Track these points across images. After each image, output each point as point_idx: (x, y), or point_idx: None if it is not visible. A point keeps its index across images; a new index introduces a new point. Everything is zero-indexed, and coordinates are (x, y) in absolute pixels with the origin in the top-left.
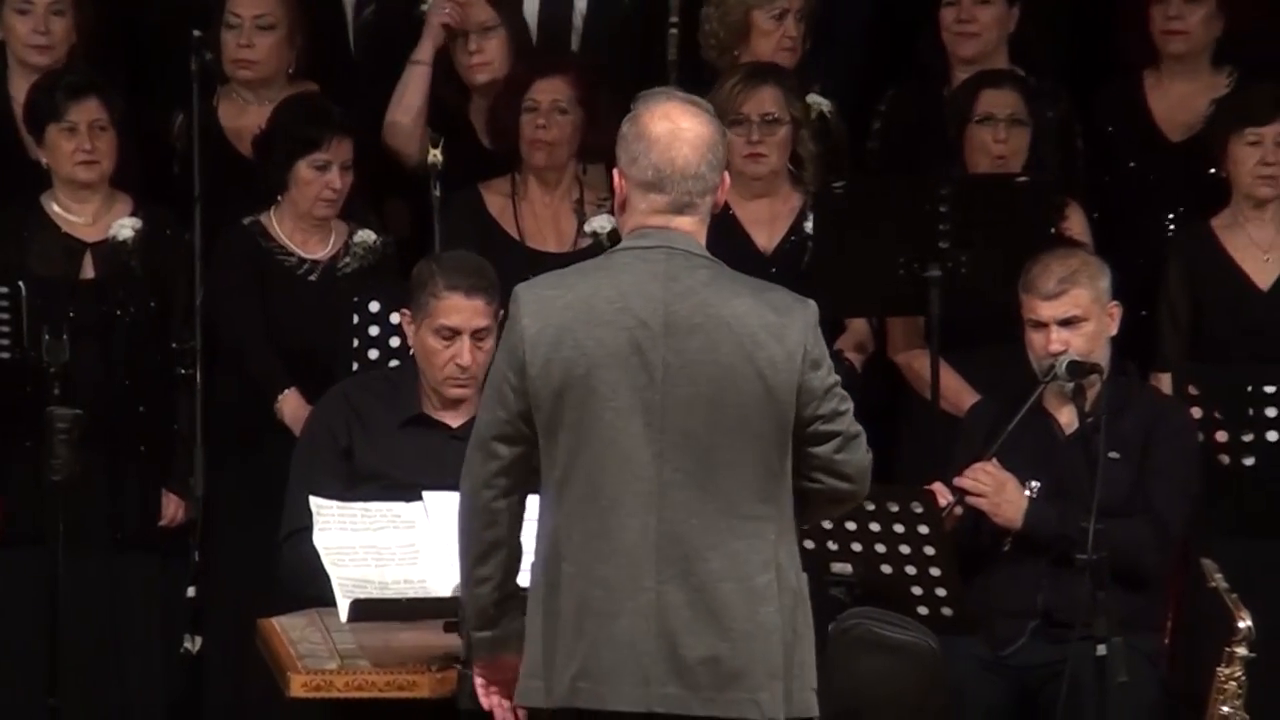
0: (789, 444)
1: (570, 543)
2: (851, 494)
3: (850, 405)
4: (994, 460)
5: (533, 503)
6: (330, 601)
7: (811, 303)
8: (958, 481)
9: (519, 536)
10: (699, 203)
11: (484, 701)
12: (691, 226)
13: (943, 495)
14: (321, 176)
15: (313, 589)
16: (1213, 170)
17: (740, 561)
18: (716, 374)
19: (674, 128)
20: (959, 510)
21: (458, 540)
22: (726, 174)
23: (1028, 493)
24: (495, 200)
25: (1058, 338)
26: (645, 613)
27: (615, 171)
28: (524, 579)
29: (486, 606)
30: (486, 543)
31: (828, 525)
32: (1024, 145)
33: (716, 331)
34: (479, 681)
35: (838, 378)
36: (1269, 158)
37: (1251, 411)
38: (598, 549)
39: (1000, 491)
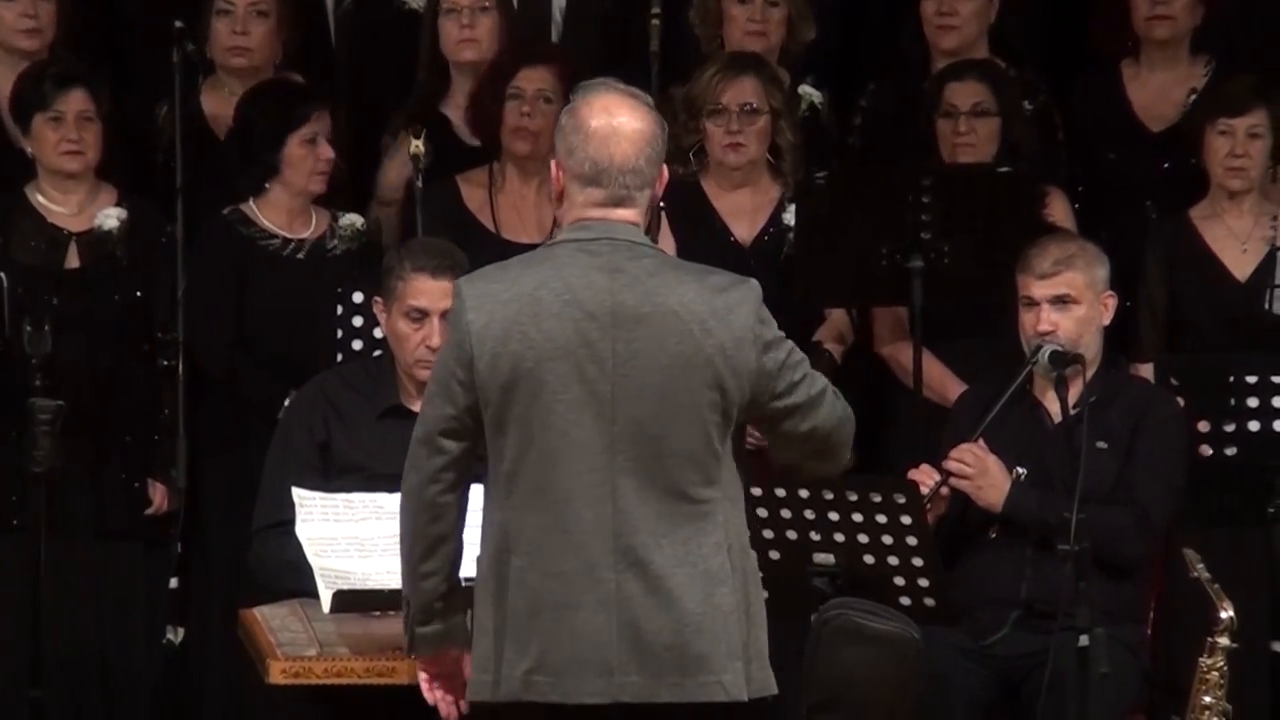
0: (733, 424)
1: (521, 537)
2: (835, 450)
3: (805, 367)
4: (980, 442)
5: (475, 494)
6: (301, 596)
7: (753, 281)
8: (943, 463)
9: (462, 530)
10: (637, 196)
11: (428, 696)
12: (631, 218)
13: (928, 477)
14: (313, 150)
15: (282, 584)
16: (1194, 160)
17: (693, 546)
18: (666, 363)
19: (612, 122)
20: (945, 492)
21: (400, 535)
22: (665, 167)
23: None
24: (472, 192)
25: (1047, 317)
26: (605, 603)
27: (553, 162)
28: (467, 572)
29: (431, 601)
30: (432, 537)
31: (810, 515)
32: (992, 135)
33: (664, 320)
34: (423, 676)
35: (788, 346)
36: (1238, 149)
37: (1233, 401)
38: (552, 542)
39: (984, 473)
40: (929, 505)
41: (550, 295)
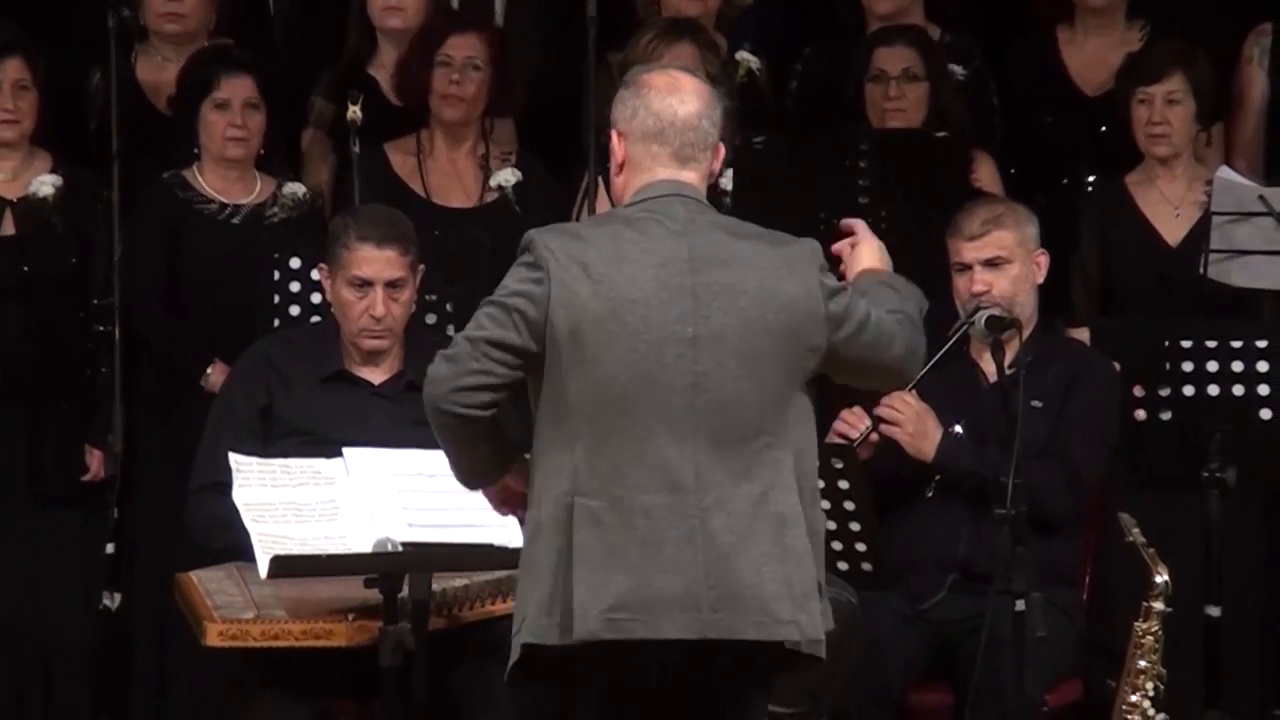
0: (803, 374)
1: (597, 476)
2: (904, 371)
3: (864, 307)
4: (913, 392)
5: None
6: (237, 554)
7: (813, 242)
8: (876, 410)
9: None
10: (700, 157)
11: (499, 511)
12: (696, 181)
13: (859, 421)
14: (224, 116)
15: (219, 542)
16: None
17: (769, 487)
18: (745, 306)
19: (673, 83)
20: (874, 438)
21: (443, 446)
22: (722, 146)
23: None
24: (402, 160)
25: (980, 278)
26: (690, 540)
27: (613, 134)
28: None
29: (488, 460)
30: (458, 432)
31: None
32: (921, 101)
33: (741, 266)
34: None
35: (849, 292)
36: (1156, 116)
37: (1168, 366)
38: (636, 479)
39: (916, 422)
40: (857, 448)
41: (628, 244)
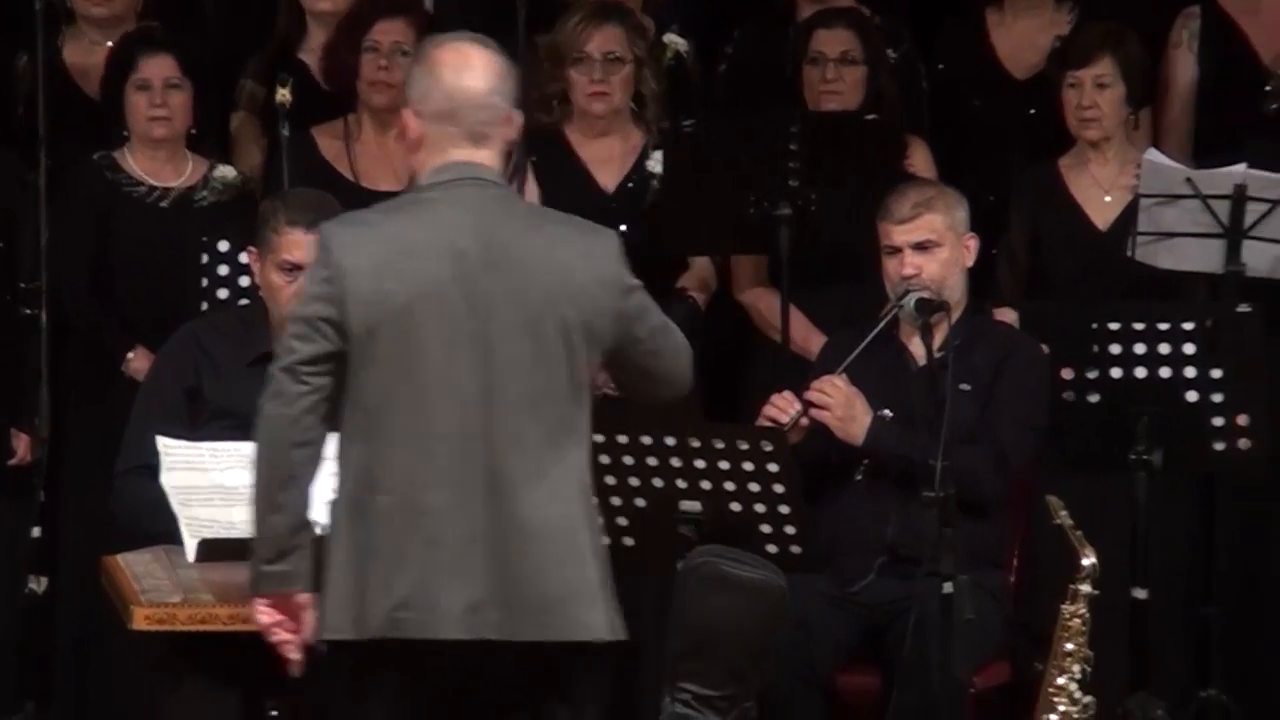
0: (593, 365)
1: (389, 474)
2: (684, 385)
3: (659, 313)
4: (843, 376)
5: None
6: (165, 538)
7: (612, 230)
8: (805, 394)
9: (318, 470)
10: (492, 134)
11: (270, 635)
12: (490, 160)
13: (789, 405)
14: (145, 96)
15: (145, 525)
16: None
17: (560, 487)
18: (538, 300)
19: (462, 59)
20: (804, 422)
21: (255, 468)
22: (519, 114)
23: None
24: (329, 144)
25: (910, 261)
26: (474, 540)
27: (406, 113)
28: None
29: (284, 534)
30: (289, 472)
31: (676, 463)
32: (858, 84)
33: (534, 261)
34: (263, 617)
35: (643, 291)
36: (1086, 100)
37: (1096, 348)
38: (424, 478)
39: (846, 406)
40: (787, 432)
41: (421, 235)
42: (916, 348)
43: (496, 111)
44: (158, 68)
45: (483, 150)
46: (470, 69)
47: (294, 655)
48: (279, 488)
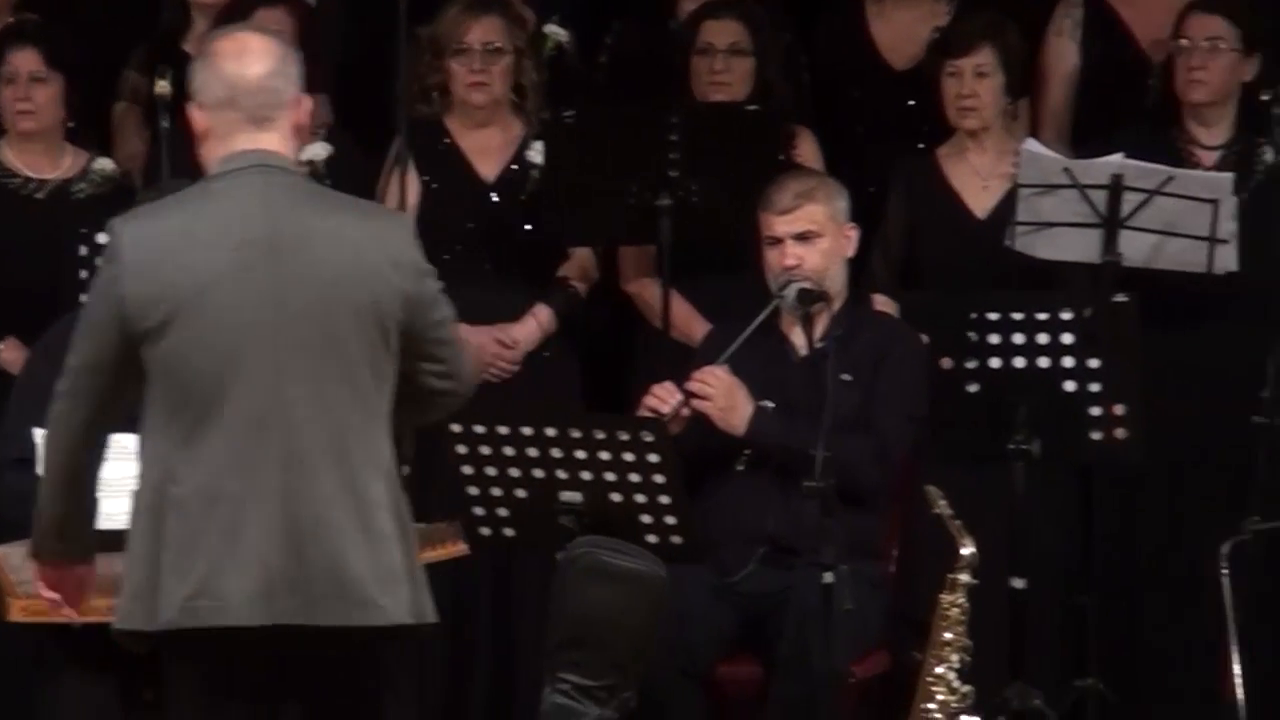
0: (390, 352)
1: (185, 465)
2: (464, 395)
3: (451, 309)
4: (725, 366)
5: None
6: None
7: (405, 215)
8: (687, 384)
9: (101, 465)
10: (276, 116)
11: (44, 595)
12: (278, 144)
13: (670, 395)
14: (10, 89)
15: (19, 517)
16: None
17: (357, 472)
18: (328, 283)
19: (241, 45)
20: (686, 413)
21: (45, 467)
22: (308, 98)
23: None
24: None
25: (792, 252)
26: (270, 525)
27: (190, 107)
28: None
29: (64, 520)
30: (75, 471)
31: (557, 454)
32: (747, 75)
33: (322, 244)
34: (43, 587)
35: (438, 281)
36: (966, 90)
37: (975, 338)
38: (218, 466)
39: (727, 396)
40: (668, 423)
41: (205, 226)
42: (798, 338)
43: (277, 95)
44: (22, 61)
45: (268, 134)
46: (247, 55)
47: (66, 610)
48: (65, 485)
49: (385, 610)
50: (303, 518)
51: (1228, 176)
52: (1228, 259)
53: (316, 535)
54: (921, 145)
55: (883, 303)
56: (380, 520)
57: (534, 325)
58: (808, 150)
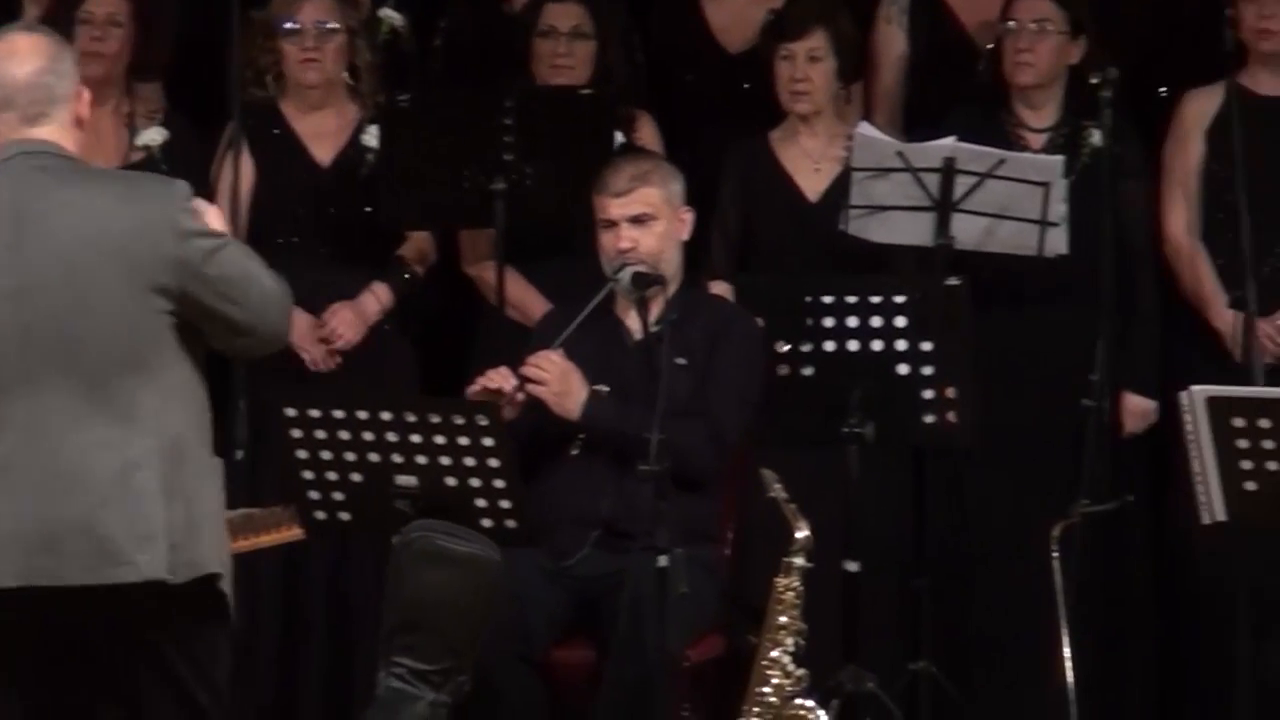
0: (160, 313)
1: None
2: (273, 337)
3: (239, 263)
4: (559, 351)
5: None
6: None
7: (179, 181)
8: (521, 369)
9: None
10: (52, 111)
11: None
12: (52, 134)
13: (505, 380)
14: None
15: None
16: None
17: (114, 433)
18: (69, 248)
19: (10, 47)
20: (520, 397)
21: None
22: (86, 90)
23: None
24: None
25: (627, 235)
26: (24, 487)
27: None
28: None
29: None
30: None
31: (393, 438)
32: (588, 58)
33: (72, 213)
34: None
35: (217, 239)
36: (799, 74)
37: (809, 322)
38: None
39: (562, 381)
40: (504, 408)
41: None
42: (633, 322)
43: (49, 90)
44: None
45: (43, 129)
46: (15, 56)
47: None
48: None
49: (138, 566)
50: (53, 478)
51: (1058, 159)
52: (1058, 242)
53: (70, 494)
54: (756, 129)
55: (718, 286)
56: (140, 479)
57: (374, 301)
58: (648, 134)
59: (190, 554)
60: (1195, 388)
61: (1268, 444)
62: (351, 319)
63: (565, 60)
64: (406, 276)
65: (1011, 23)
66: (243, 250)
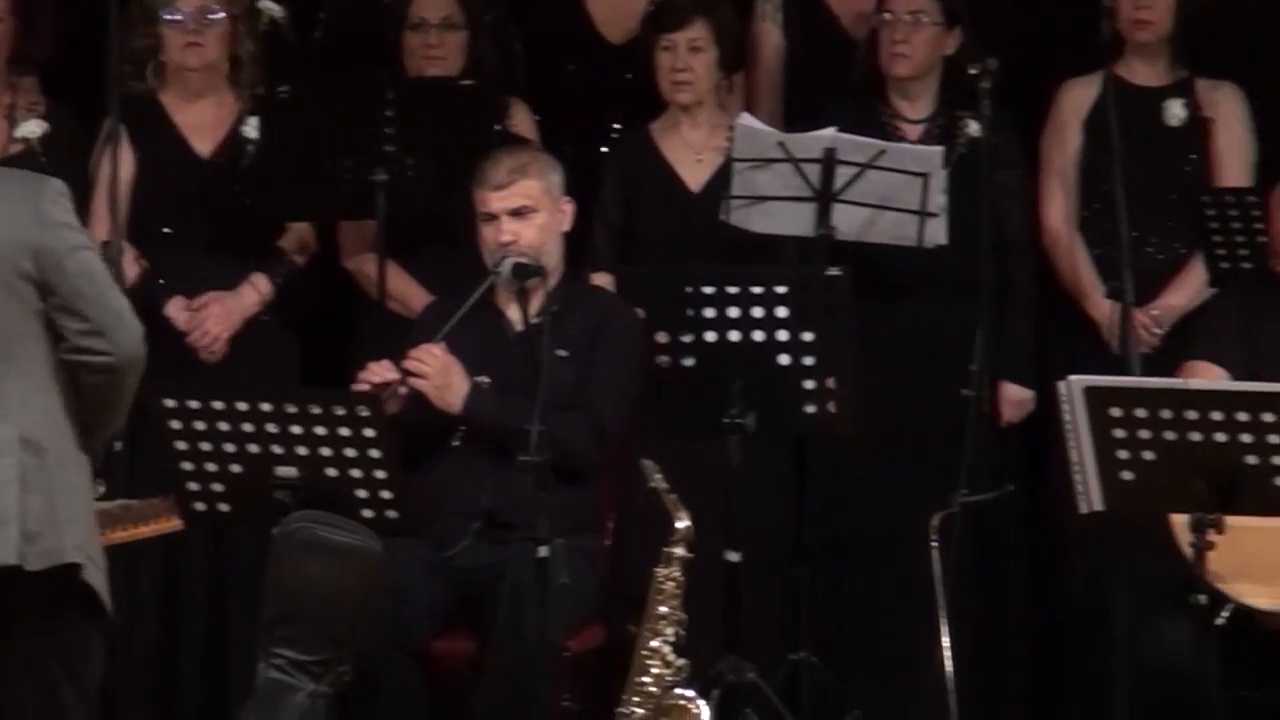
0: (25, 304)
1: None
2: (120, 360)
3: (91, 262)
4: (441, 344)
5: None
6: None
7: (55, 179)
8: (403, 362)
9: None
10: None
11: None
12: None
13: (387, 372)
14: None
15: None
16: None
17: None
18: None
19: None
20: (403, 390)
21: None
22: None
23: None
24: None
25: (508, 228)
26: None
27: None
28: None
29: None
30: None
31: (273, 429)
32: (460, 49)
33: None
34: None
35: (83, 239)
36: (680, 64)
37: (690, 312)
38: None
39: (443, 375)
40: (387, 401)
41: None
42: (514, 314)
43: None
44: None
45: None
46: None
47: None
48: None
49: None
50: None
51: (938, 150)
52: (938, 232)
53: None
54: (639, 120)
55: (600, 278)
56: (2, 467)
57: (252, 293)
58: (523, 122)
59: (48, 543)
60: (1073, 378)
61: (1144, 434)
62: (220, 314)
63: (437, 51)
64: (286, 267)
65: (886, 15)
66: (104, 269)
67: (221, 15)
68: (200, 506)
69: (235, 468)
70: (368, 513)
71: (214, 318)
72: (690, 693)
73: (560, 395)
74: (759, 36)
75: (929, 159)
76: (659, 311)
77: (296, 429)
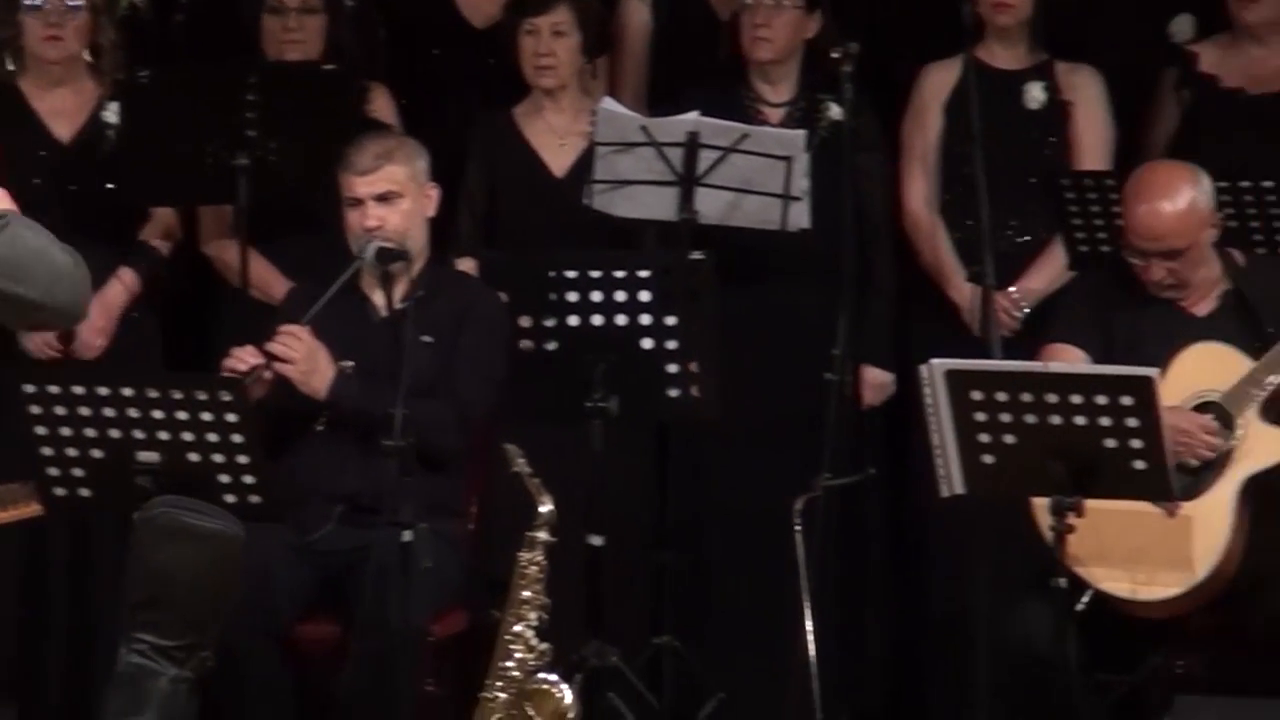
0: None
1: None
2: (65, 311)
3: (25, 240)
4: (307, 328)
5: None
6: None
7: None
8: (268, 346)
9: None
10: None
11: None
12: None
13: (250, 356)
14: None
15: None
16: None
17: None
18: None
19: None
20: (267, 375)
21: None
22: None
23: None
24: None
25: (373, 214)
26: None
27: None
28: None
29: None
30: None
31: (134, 414)
32: (319, 33)
33: None
34: None
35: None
36: (543, 48)
37: (553, 297)
38: None
39: (308, 359)
40: (250, 385)
41: None
42: (379, 299)
43: None
44: None
45: None
46: None
47: None
48: None
49: None
50: None
51: (800, 134)
52: (800, 216)
53: None
54: (502, 104)
55: (466, 263)
56: None
57: (119, 288)
58: (383, 107)
59: None
60: (934, 361)
61: (1005, 417)
62: (101, 327)
63: (295, 35)
64: (151, 258)
65: None
66: (29, 227)
67: (81, 6)
68: (61, 492)
69: (96, 453)
70: (230, 498)
71: (89, 329)
72: (554, 677)
73: (424, 380)
74: (626, 15)
75: (792, 142)
76: (522, 296)
77: (158, 413)
